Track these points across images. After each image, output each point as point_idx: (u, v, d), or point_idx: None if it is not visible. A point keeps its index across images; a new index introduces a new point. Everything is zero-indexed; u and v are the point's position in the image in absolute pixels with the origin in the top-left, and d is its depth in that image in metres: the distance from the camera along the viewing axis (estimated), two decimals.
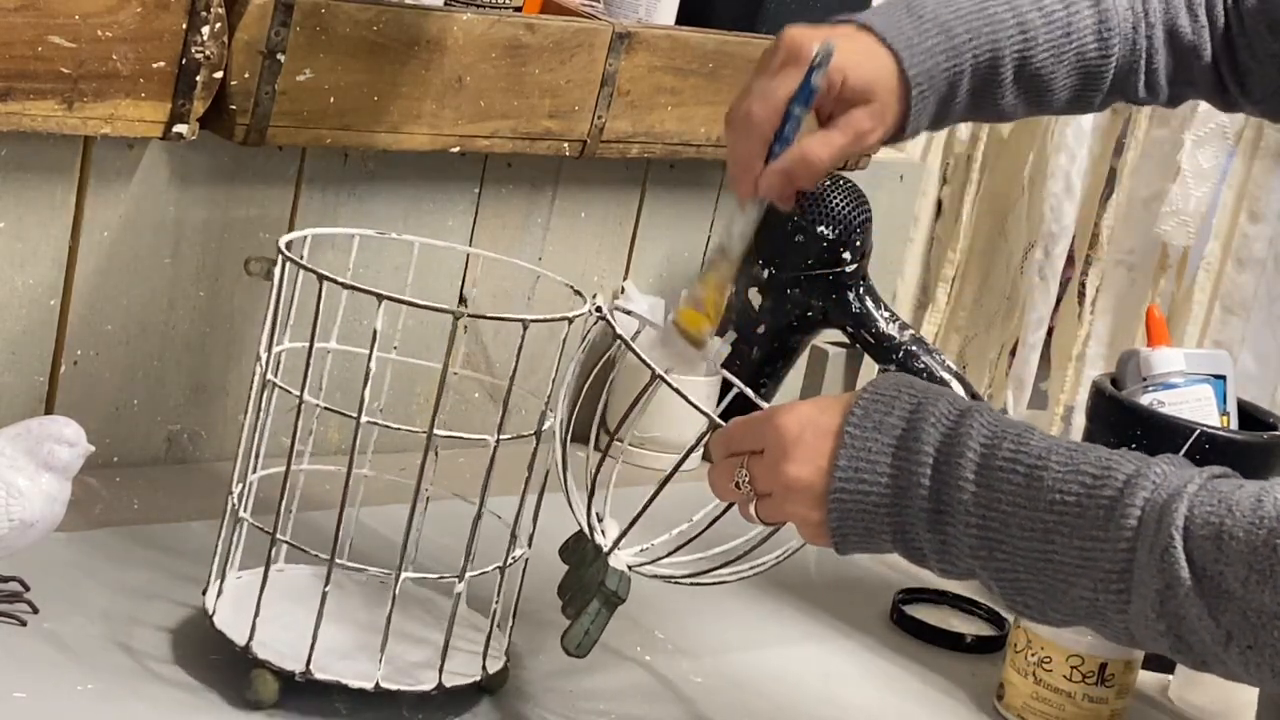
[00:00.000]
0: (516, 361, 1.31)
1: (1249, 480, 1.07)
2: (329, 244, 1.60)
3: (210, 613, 1.36)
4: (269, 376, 1.35)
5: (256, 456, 1.38)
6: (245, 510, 1.37)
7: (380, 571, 1.37)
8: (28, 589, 1.38)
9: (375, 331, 1.29)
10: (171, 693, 1.32)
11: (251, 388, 1.36)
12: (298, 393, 1.32)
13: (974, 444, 1.11)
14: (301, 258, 1.34)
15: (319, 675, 1.31)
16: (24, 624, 1.36)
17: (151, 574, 1.48)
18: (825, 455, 1.15)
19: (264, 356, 1.35)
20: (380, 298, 1.27)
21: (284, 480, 1.34)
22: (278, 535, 1.34)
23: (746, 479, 1.20)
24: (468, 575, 1.35)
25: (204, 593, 1.39)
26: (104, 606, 1.41)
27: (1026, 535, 1.08)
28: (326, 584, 1.32)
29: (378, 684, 1.32)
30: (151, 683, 1.33)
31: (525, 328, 1.31)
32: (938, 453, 1.12)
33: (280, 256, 1.33)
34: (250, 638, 1.32)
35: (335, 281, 1.29)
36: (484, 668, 1.38)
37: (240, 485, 1.38)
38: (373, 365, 1.30)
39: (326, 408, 1.35)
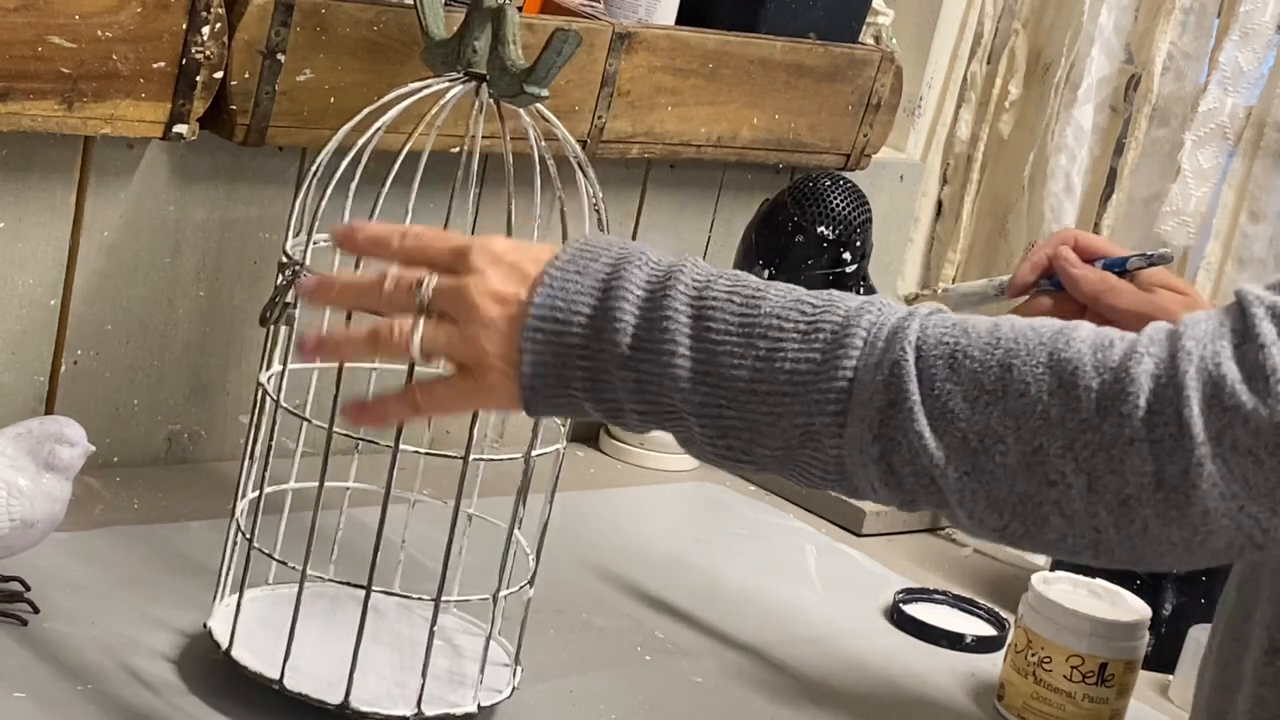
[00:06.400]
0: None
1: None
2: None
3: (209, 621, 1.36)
4: (265, 385, 1.35)
5: (249, 472, 1.38)
6: (241, 514, 1.37)
7: (353, 585, 1.36)
8: (28, 589, 1.38)
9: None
10: (170, 691, 1.32)
11: (255, 404, 1.36)
12: (302, 399, 1.32)
13: (687, 279, 1.06)
14: (304, 258, 1.34)
15: (291, 687, 1.31)
16: (24, 624, 1.36)
17: (151, 574, 1.48)
18: (529, 285, 1.06)
19: (280, 372, 1.35)
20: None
21: (261, 479, 1.34)
22: (256, 544, 1.35)
23: (430, 287, 1.07)
24: (444, 600, 1.34)
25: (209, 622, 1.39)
26: (104, 606, 1.41)
27: (738, 364, 1.03)
28: (298, 601, 1.32)
29: (348, 704, 1.31)
30: (150, 682, 1.33)
31: None
32: (646, 290, 1.05)
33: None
34: (231, 643, 1.34)
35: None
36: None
37: (243, 500, 1.37)
38: (342, 377, 1.29)
39: (297, 414, 1.34)
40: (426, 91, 1.38)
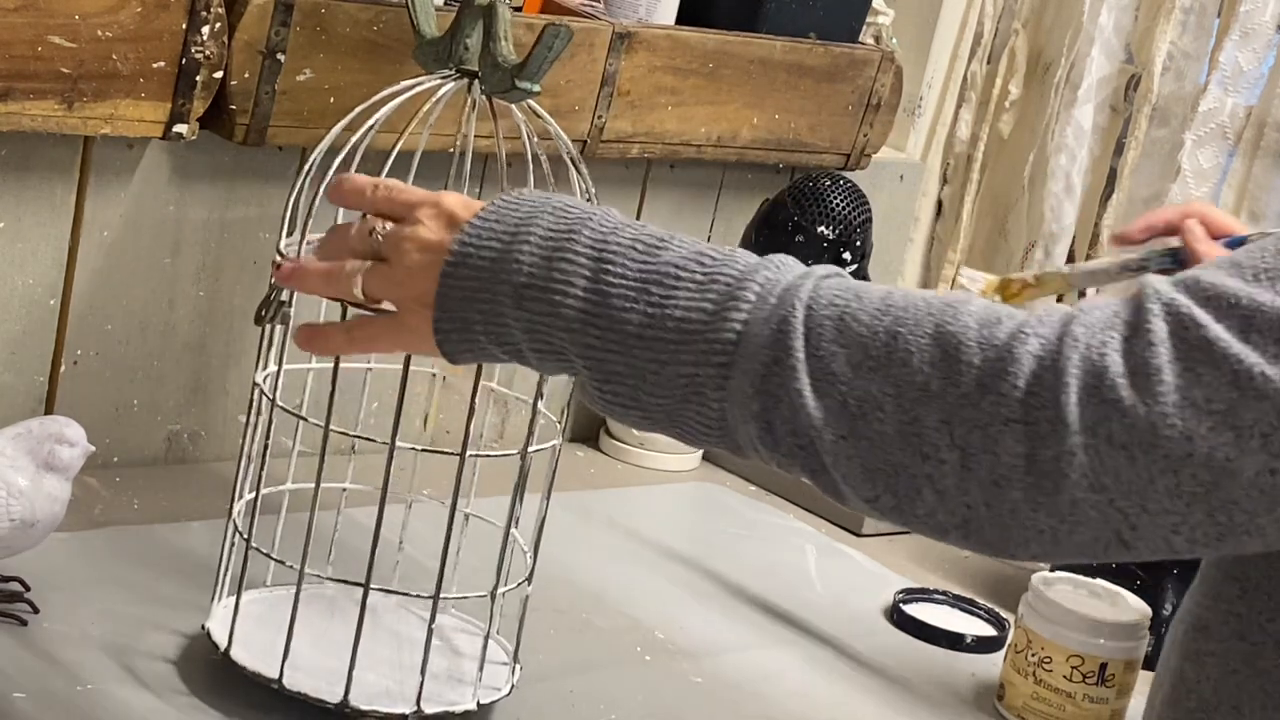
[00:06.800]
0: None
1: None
2: None
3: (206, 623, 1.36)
4: (262, 386, 1.35)
5: (246, 472, 1.38)
6: (238, 514, 1.37)
7: (349, 583, 1.36)
8: (28, 589, 1.38)
9: None
10: (169, 692, 1.32)
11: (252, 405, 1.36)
12: (299, 399, 1.32)
13: (594, 225, 1.07)
14: (298, 257, 1.34)
15: (290, 687, 1.32)
16: (24, 624, 1.36)
17: (151, 574, 1.48)
18: (455, 233, 1.10)
19: (274, 370, 1.35)
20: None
21: (258, 480, 1.34)
22: (253, 544, 1.35)
23: (384, 231, 1.11)
24: (442, 598, 1.34)
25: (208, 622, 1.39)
26: (104, 606, 1.41)
27: (629, 308, 1.04)
28: (296, 601, 1.32)
29: (347, 702, 1.31)
30: (150, 682, 1.33)
31: None
32: (550, 234, 1.07)
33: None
34: (229, 644, 1.34)
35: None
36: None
37: (240, 502, 1.37)
38: (338, 377, 1.29)
39: (294, 413, 1.34)
40: (418, 89, 1.38)
